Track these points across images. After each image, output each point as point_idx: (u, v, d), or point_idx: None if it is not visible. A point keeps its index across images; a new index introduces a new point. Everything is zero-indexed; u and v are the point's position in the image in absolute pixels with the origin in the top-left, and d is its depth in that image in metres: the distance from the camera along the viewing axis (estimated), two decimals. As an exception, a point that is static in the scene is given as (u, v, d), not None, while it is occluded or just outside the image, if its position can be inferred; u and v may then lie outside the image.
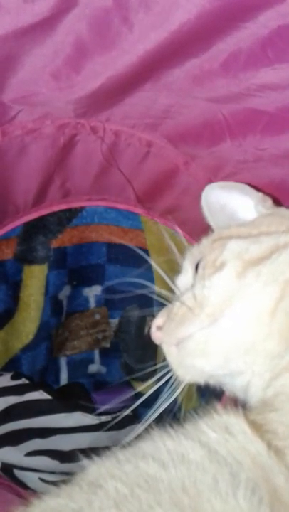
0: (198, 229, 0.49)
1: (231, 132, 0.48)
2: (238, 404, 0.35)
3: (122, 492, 0.25)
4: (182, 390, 0.41)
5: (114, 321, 0.76)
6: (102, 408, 0.64)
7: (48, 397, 0.64)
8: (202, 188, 0.50)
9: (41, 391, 0.65)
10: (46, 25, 0.39)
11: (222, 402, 0.49)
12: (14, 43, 0.40)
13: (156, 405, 0.40)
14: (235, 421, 0.27)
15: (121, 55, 0.41)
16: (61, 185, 0.60)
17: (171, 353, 0.38)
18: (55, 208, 0.63)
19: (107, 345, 0.75)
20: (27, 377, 0.67)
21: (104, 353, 0.76)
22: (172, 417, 0.31)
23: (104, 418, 0.65)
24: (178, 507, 0.23)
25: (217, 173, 0.53)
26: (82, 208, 0.74)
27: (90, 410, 0.65)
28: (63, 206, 0.64)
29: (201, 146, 0.51)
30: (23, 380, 0.66)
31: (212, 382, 0.38)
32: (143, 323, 0.77)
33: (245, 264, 0.36)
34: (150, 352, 0.75)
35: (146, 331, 0.76)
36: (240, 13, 0.37)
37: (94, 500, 0.25)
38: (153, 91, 0.46)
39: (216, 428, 0.27)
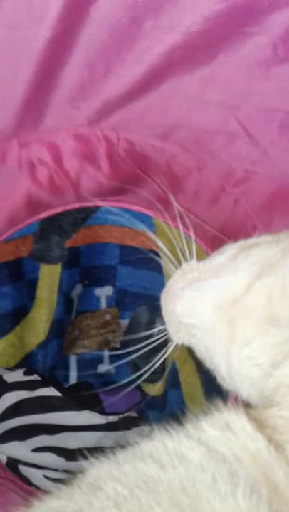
0: (210, 233, 0.48)
1: (246, 134, 0.47)
2: (241, 400, 0.34)
3: (121, 493, 0.25)
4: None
5: (125, 322, 0.76)
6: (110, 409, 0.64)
7: (59, 394, 0.64)
8: (214, 193, 0.50)
9: (52, 388, 0.65)
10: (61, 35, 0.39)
11: (230, 399, 0.49)
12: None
13: (148, 366, 0.40)
14: (236, 418, 0.27)
15: (132, 64, 0.41)
16: (75, 192, 0.60)
17: (166, 309, 0.38)
18: (69, 207, 0.63)
19: (117, 345, 0.75)
20: (39, 374, 0.67)
21: (115, 356, 0.75)
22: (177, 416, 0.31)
23: (111, 418, 0.64)
24: (177, 507, 0.23)
25: (229, 178, 0.52)
26: (96, 208, 0.74)
27: (98, 410, 0.65)
28: (77, 205, 0.63)
29: (213, 151, 0.51)
30: (35, 376, 0.66)
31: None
32: (152, 324, 0.76)
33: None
34: (159, 354, 0.75)
35: (155, 332, 0.76)
36: (250, 14, 0.36)
37: (94, 501, 0.25)
38: (164, 98, 0.46)
39: (217, 426, 0.27)
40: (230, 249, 0.38)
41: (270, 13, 0.36)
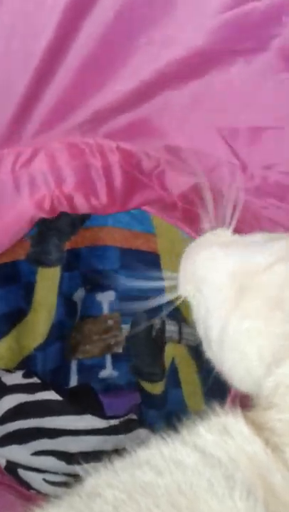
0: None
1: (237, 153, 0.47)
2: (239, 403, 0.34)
3: (120, 498, 0.25)
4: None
5: (126, 327, 0.76)
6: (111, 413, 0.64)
7: (59, 398, 0.64)
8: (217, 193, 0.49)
9: (52, 391, 0.64)
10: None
11: (230, 397, 0.48)
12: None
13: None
14: (233, 421, 0.27)
15: (125, 78, 0.41)
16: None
17: (187, 257, 0.38)
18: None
19: (119, 350, 0.75)
20: (39, 377, 0.67)
21: (116, 358, 0.75)
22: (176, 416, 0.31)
23: (112, 422, 0.64)
24: (176, 508, 0.23)
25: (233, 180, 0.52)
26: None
27: (99, 413, 0.65)
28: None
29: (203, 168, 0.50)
30: (35, 379, 0.66)
31: None
32: (150, 327, 0.76)
33: None
34: (158, 356, 0.75)
35: (153, 334, 0.76)
36: (244, 31, 0.36)
37: (93, 506, 0.25)
38: (156, 111, 0.45)
39: (213, 430, 0.27)
40: (260, 235, 0.38)
41: (264, 29, 0.36)
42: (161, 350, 0.74)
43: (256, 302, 0.33)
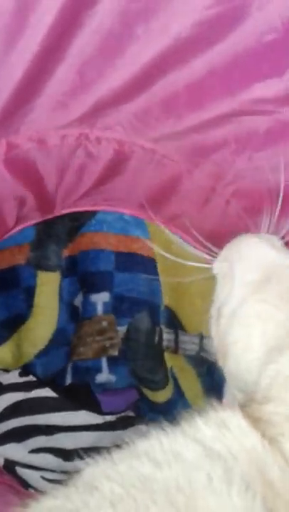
0: (202, 235, 0.48)
1: (233, 143, 0.48)
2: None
3: (117, 492, 0.25)
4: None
5: (122, 329, 0.76)
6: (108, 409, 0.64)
7: (55, 395, 0.64)
8: (205, 195, 0.50)
9: (48, 389, 0.64)
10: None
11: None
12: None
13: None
14: (231, 415, 0.27)
15: (123, 64, 0.42)
16: (66, 194, 0.61)
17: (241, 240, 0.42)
18: (63, 212, 0.64)
19: (115, 353, 0.75)
20: (34, 375, 0.66)
21: (113, 362, 0.75)
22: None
23: (109, 418, 0.64)
24: (173, 506, 0.23)
25: (219, 180, 0.53)
26: (91, 217, 0.74)
27: (95, 409, 0.64)
28: (70, 210, 0.64)
29: (203, 155, 0.51)
30: (31, 377, 0.65)
31: None
32: (153, 331, 0.76)
33: None
34: (160, 361, 0.75)
35: (156, 340, 0.75)
36: (235, 22, 0.37)
37: (90, 500, 0.25)
38: (155, 101, 0.46)
39: (212, 424, 0.27)
40: None
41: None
42: (161, 356, 0.74)
43: (276, 292, 0.36)
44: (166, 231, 0.71)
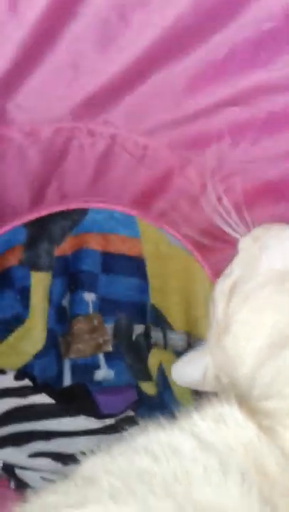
0: (194, 232, 0.49)
1: (228, 134, 0.48)
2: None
3: (116, 485, 0.25)
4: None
5: (110, 326, 0.76)
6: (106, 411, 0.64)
7: (51, 401, 0.64)
8: (197, 191, 0.51)
9: (44, 394, 0.64)
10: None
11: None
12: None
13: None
14: (228, 409, 0.28)
15: (117, 55, 0.42)
16: (58, 188, 0.61)
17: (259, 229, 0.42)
18: (54, 209, 0.64)
19: (109, 348, 0.75)
20: (30, 378, 0.66)
21: (109, 357, 0.76)
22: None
23: (108, 421, 0.64)
24: (171, 496, 0.23)
25: (212, 176, 0.53)
26: (83, 215, 0.74)
27: (93, 413, 0.64)
28: (61, 207, 0.64)
29: (197, 150, 0.52)
30: (26, 381, 0.65)
31: None
32: (131, 331, 0.77)
33: None
34: (141, 359, 0.75)
35: (133, 338, 0.76)
36: (233, 9, 0.38)
37: (89, 494, 0.25)
38: (147, 95, 0.47)
39: (208, 418, 0.28)
40: None
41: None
42: (143, 354, 0.75)
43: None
44: (157, 229, 0.71)
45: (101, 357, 0.75)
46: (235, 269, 0.40)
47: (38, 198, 0.62)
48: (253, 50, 0.41)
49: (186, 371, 0.42)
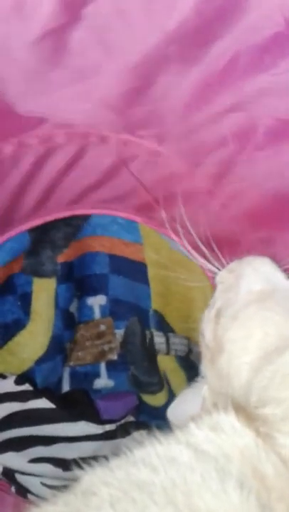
0: (200, 239, 0.49)
1: (234, 141, 0.49)
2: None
3: (116, 495, 0.26)
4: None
5: (120, 332, 0.76)
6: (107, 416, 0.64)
7: (52, 405, 0.64)
8: (204, 197, 0.51)
9: (44, 399, 0.64)
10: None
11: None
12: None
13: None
14: (224, 417, 0.28)
15: (123, 62, 0.42)
16: (64, 194, 0.61)
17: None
18: (60, 215, 0.64)
19: (114, 357, 0.75)
20: (30, 383, 0.66)
21: (112, 366, 0.75)
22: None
23: (108, 427, 0.64)
24: (172, 504, 0.24)
25: (219, 182, 0.53)
26: (86, 220, 0.75)
27: (94, 419, 0.65)
28: (67, 213, 0.64)
29: (204, 155, 0.52)
30: (27, 386, 0.65)
31: None
32: (144, 334, 0.77)
33: None
34: (154, 364, 0.75)
35: (148, 343, 0.76)
36: (235, 15, 0.38)
37: (89, 503, 0.26)
38: (156, 102, 0.47)
39: (205, 427, 0.28)
40: None
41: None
42: (155, 359, 0.74)
43: (279, 304, 0.38)
44: (159, 235, 0.71)
45: (102, 366, 0.75)
46: (218, 299, 0.43)
47: (43, 203, 0.63)
48: (256, 55, 0.41)
49: (182, 410, 0.43)
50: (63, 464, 0.60)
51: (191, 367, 0.72)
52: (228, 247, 0.46)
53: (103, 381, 0.74)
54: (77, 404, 0.67)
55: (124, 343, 0.75)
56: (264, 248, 0.52)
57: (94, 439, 0.63)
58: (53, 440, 0.62)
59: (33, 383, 0.67)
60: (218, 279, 0.45)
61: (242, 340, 0.36)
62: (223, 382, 0.36)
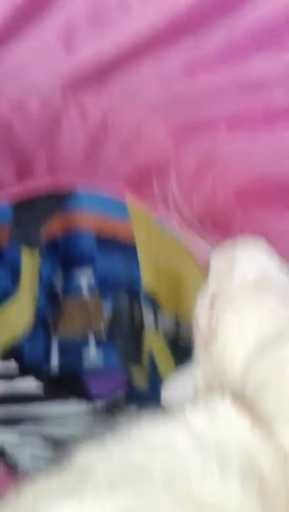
0: (188, 216, 0.49)
1: (224, 122, 0.48)
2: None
3: (112, 476, 0.25)
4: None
5: (108, 308, 0.76)
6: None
7: (40, 384, 0.64)
8: (192, 176, 0.50)
9: (31, 378, 0.64)
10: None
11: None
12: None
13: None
14: (221, 405, 0.28)
15: (112, 34, 0.41)
16: (47, 164, 0.59)
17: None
18: (42, 183, 0.62)
19: (101, 328, 0.75)
20: (16, 360, 0.66)
21: (100, 343, 0.76)
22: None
23: (98, 404, 0.64)
24: (171, 490, 0.24)
25: (208, 162, 0.53)
26: (70, 195, 0.74)
27: (83, 397, 0.65)
28: (49, 181, 0.62)
29: (193, 134, 0.51)
30: (13, 363, 0.65)
31: None
32: (132, 311, 0.77)
33: None
34: (140, 343, 0.76)
35: (135, 321, 0.77)
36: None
37: (85, 482, 0.25)
38: (143, 76, 0.46)
39: (201, 414, 0.28)
40: None
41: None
42: (141, 339, 0.75)
43: (274, 292, 0.38)
44: (148, 214, 0.71)
45: (91, 337, 0.75)
46: (211, 286, 0.42)
47: (25, 173, 0.61)
48: (253, 40, 0.40)
49: (177, 394, 0.43)
50: (53, 441, 0.60)
51: (178, 348, 0.73)
52: (219, 228, 0.46)
53: (92, 352, 0.74)
54: (65, 382, 0.67)
55: (112, 319, 0.75)
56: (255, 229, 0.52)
57: (84, 416, 0.63)
58: (43, 418, 0.62)
59: (19, 358, 0.67)
60: (210, 264, 0.44)
61: (236, 329, 0.36)
62: (217, 370, 0.36)
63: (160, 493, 0.24)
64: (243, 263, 0.41)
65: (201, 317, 0.40)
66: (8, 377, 0.64)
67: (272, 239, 0.44)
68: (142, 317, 0.75)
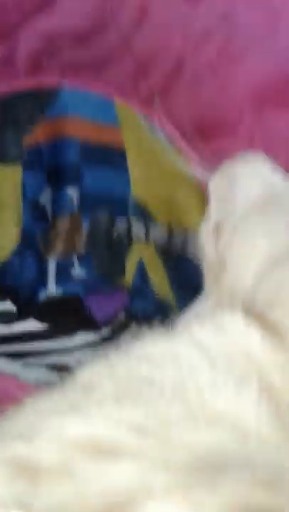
0: (186, 117, 0.44)
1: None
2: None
3: (120, 389, 0.25)
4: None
5: (86, 225, 0.74)
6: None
7: (41, 326, 0.63)
8: (197, 72, 0.45)
9: (32, 320, 0.63)
10: None
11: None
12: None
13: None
14: (229, 318, 0.27)
15: None
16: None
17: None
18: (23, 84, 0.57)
19: (82, 250, 0.73)
20: (12, 300, 0.64)
21: (81, 259, 0.74)
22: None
23: (105, 331, 0.65)
24: (182, 401, 0.23)
25: (219, 56, 0.47)
26: (53, 98, 0.69)
27: (90, 326, 0.64)
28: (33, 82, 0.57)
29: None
30: (9, 305, 0.63)
31: None
32: (111, 227, 0.74)
33: None
34: (118, 260, 0.74)
35: (114, 235, 0.74)
36: None
37: (91, 398, 0.25)
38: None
39: (209, 326, 0.28)
40: None
41: None
42: (122, 253, 0.73)
43: (281, 212, 0.35)
44: (138, 116, 0.66)
45: (75, 257, 0.73)
46: (213, 212, 0.40)
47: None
48: None
49: None
50: (58, 368, 0.60)
51: (170, 256, 0.72)
52: (221, 135, 0.42)
53: (76, 271, 0.73)
54: (69, 312, 0.65)
55: (89, 237, 0.73)
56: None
57: (91, 346, 0.62)
58: (49, 352, 0.61)
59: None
60: (210, 188, 0.41)
61: (246, 253, 0.34)
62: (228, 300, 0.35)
63: (170, 405, 0.23)
64: (245, 180, 0.39)
65: (208, 248, 0.38)
66: (5, 321, 0.62)
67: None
68: (129, 230, 0.73)
